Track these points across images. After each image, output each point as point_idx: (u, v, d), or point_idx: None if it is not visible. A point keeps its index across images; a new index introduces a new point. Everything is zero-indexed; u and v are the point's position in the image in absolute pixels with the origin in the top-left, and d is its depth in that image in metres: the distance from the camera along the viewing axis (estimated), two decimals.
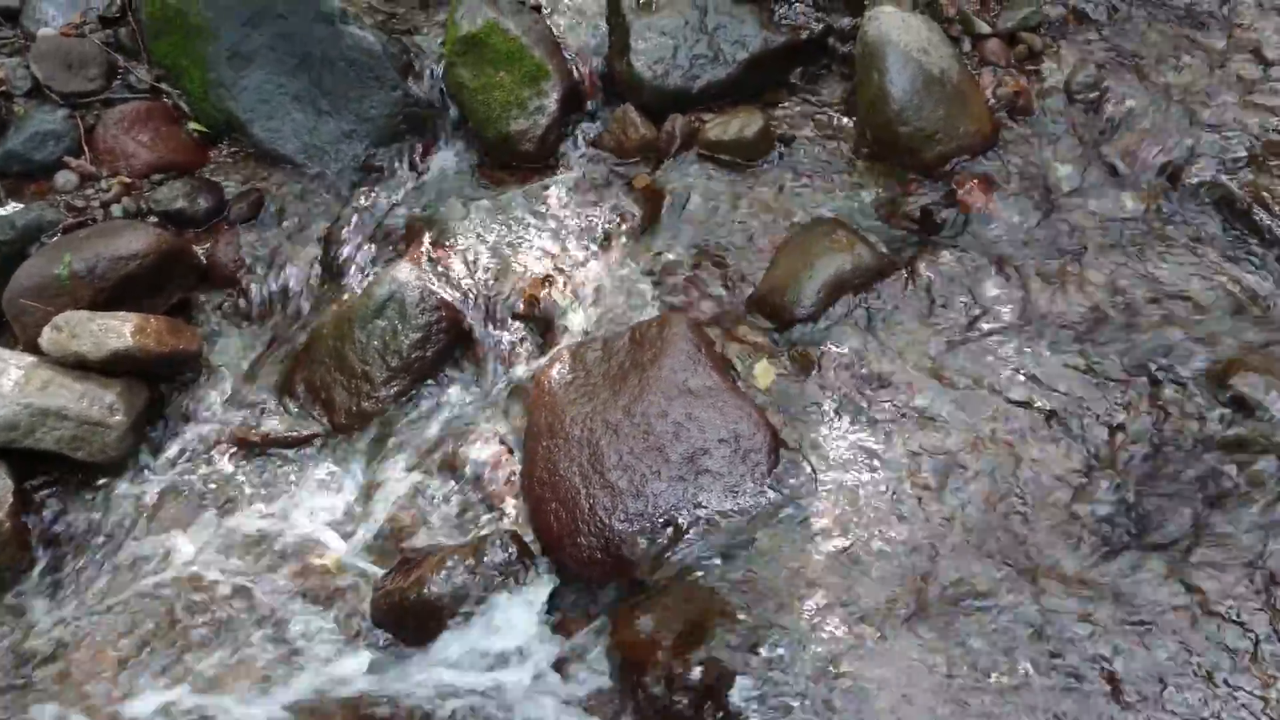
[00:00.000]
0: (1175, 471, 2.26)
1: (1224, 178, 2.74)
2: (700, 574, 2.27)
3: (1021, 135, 2.96)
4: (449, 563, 2.33)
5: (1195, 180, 2.76)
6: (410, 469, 2.64)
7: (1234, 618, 1.99)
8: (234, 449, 2.80)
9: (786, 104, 3.22)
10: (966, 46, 3.12)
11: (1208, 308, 2.54)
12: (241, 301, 3.02)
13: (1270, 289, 2.56)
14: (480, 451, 2.61)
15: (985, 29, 3.13)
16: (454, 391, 2.77)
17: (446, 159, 3.22)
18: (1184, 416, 2.34)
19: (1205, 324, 2.50)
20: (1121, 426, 2.35)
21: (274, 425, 2.81)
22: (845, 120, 3.14)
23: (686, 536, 2.32)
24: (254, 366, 2.94)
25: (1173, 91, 2.97)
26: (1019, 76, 3.05)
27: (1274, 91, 2.94)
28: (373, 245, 3.02)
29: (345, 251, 3.01)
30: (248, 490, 2.73)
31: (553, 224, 3.04)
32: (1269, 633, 1.96)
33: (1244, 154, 2.80)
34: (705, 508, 2.34)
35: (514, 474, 2.55)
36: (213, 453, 2.80)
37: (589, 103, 3.28)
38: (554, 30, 3.30)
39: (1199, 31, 3.12)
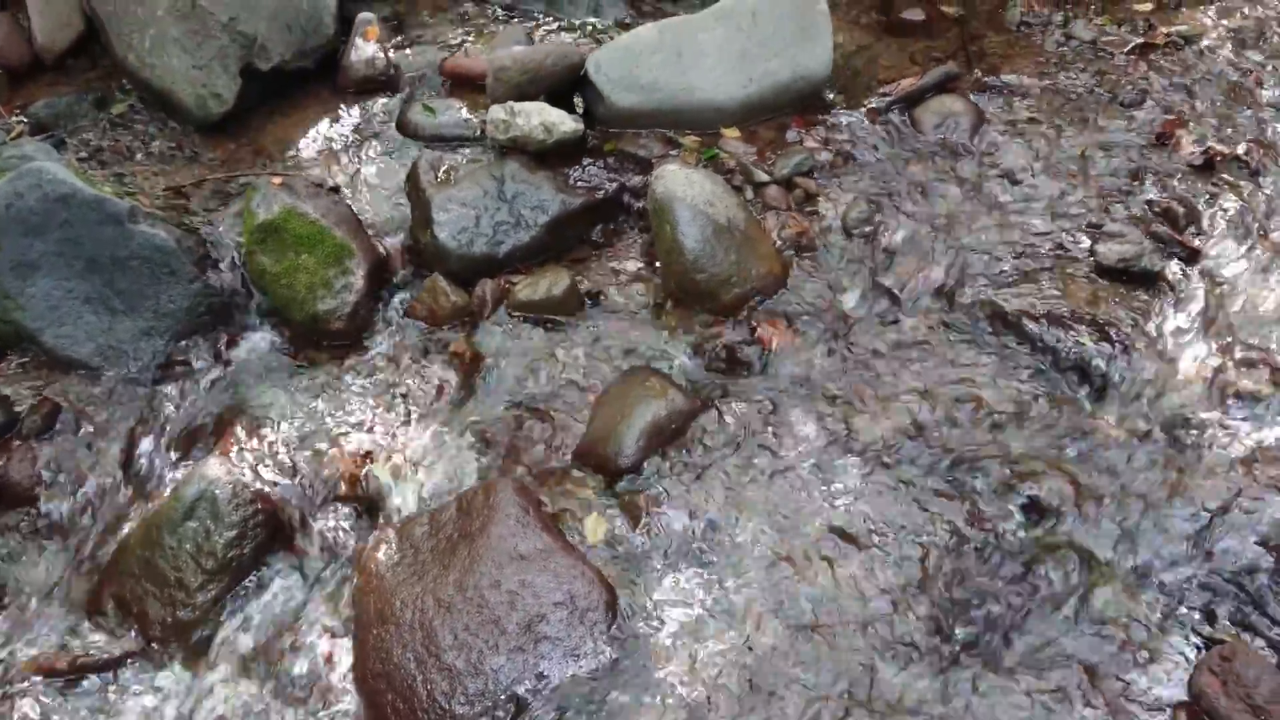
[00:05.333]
0: (987, 580, 2.37)
1: (992, 294, 2.98)
2: None
3: (809, 271, 3.15)
4: None
5: (968, 299, 2.99)
6: (234, 678, 2.48)
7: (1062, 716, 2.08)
8: (39, 679, 2.58)
9: (591, 260, 3.32)
10: (749, 194, 3.32)
11: (995, 417, 2.72)
12: (39, 520, 2.83)
13: (1047, 393, 2.77)
14: (309, 650, 2.49)
15: (764, 177, 3.35)
16: (277, 587, 2.66)
17: (254, 346, 3.17)
18: (987, 526, 2.47)
19: (995, 434, 2.67)
20: (933, 542, 2.46)
21: (83, 649, 2.62)
22: (648, 270, 3.26)
23: (532, 710, 2.26)
24: (57, 588, 2.75)
25: (938, 219, 3.23)
26: (800, 218, 3.27)
27: (1025, 211, 3.24)
28: (179, 444, 2.91)
29: (150, 454, 2.89)
30: None
31: (370, 399, 3.02)
32: None
33: (1007, 270, 3.06)
34: (548, 677, 2.30)
35: (347, 669, 2.45)
36: (14, 686, 2.58)
37: (398, 275, 3.31)
38: (355, 209, 3.35)
39: (954, 162, 3.43)
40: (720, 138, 3.51)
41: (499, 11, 4.18)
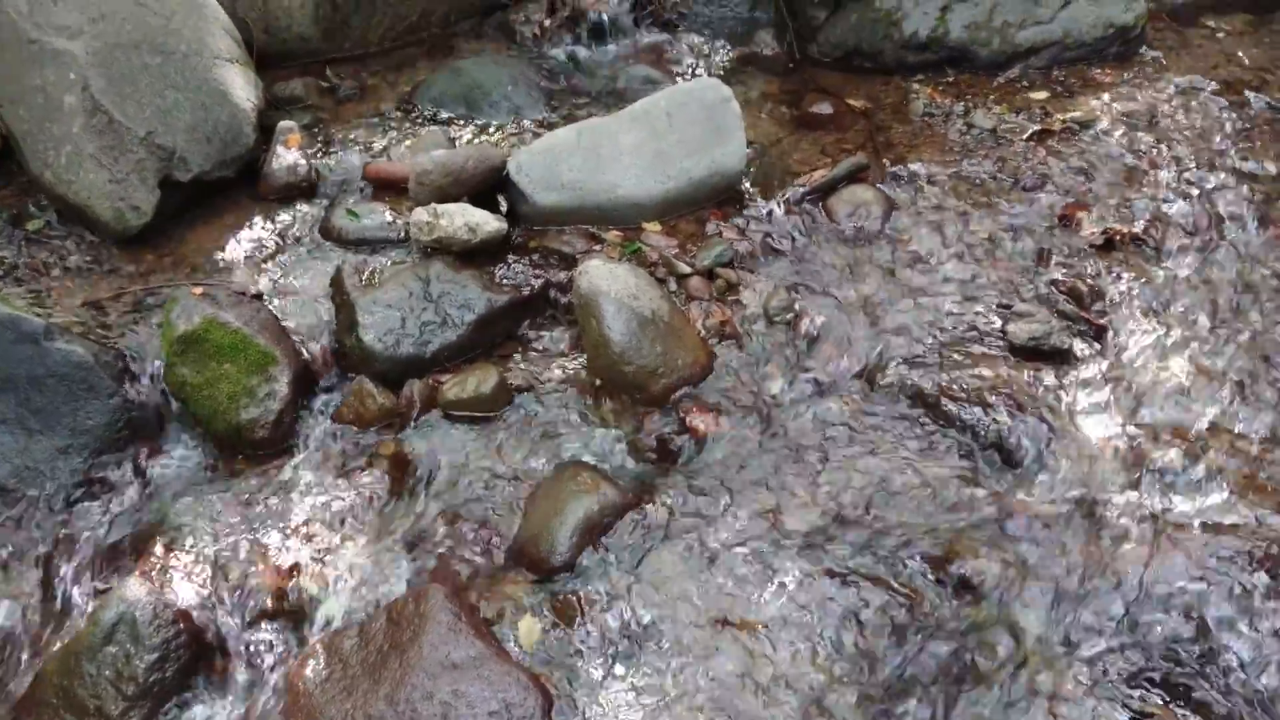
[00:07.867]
0: (921, 660, 2.39)
1: (911, 375, 3.05)
2: None
3: (734, 359, 3.20)
4: None
5: (888, 381, 3.05)
6: None
7: None
8: None
9: (520, 356, 3.34)
10: (673, 286, 3.38)
11: (921, 496, 2.76)
12: None
13: (969, 470, 2.82)
14: None
15: (686, 269, 3.42)
16: (202, 710, 2.57)
17: (175, 459, 3.10)
18: (918, 605, 2.50)
19: (921, 512, 2.72)
20: (866, 625, 2.48)
21: None
22: (576, 363, 3.28)
23: None
24: None
25: (856, 304, 3.32)
26: (723, 308, 3.33)
27: (937, 293, 3.34)
28: (99, 565, 2.82)
29: (67, 577, 2.80)
30: None
31: (297, 508, 2.96)
32: None
33: (923, 351, 3.14)
34: None
35: None
36: None
37: (323, 380, 3.29)
38: (279, 316, 3.33)
39: (869, 248, 3.53)
40: (642, 232, 3.57)
41: (420, 116, 4.24)
